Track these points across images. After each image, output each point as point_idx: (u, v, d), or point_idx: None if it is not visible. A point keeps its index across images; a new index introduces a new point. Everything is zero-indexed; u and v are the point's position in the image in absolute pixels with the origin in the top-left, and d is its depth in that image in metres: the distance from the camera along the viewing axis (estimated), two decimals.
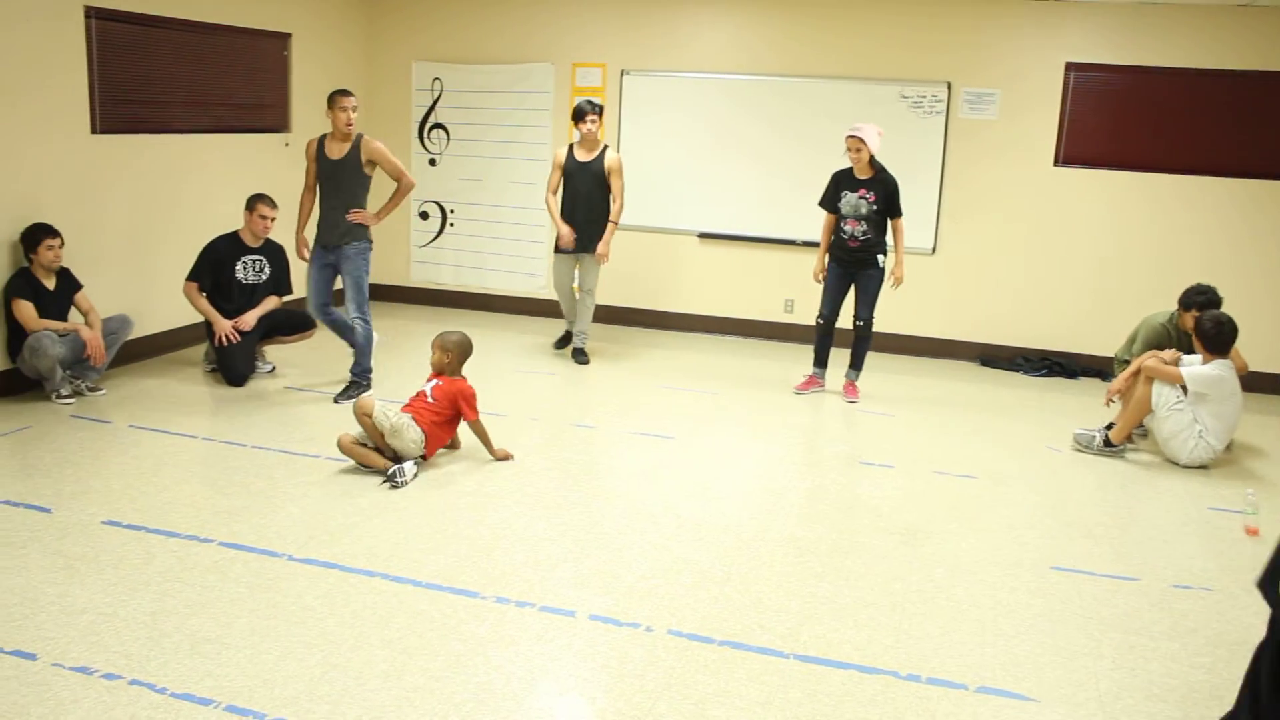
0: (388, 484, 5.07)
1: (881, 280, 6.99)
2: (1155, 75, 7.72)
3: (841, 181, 6.95)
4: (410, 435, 5.24)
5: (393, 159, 6.62)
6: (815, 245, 7.19)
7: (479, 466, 5.41)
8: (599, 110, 7.46)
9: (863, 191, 6.83)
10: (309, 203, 6.67)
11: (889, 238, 6.96)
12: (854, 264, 6.97)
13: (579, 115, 7.43)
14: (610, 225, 7.51)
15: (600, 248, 7.52)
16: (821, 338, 7.23)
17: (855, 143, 6.73)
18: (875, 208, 6.82)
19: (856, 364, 7.19)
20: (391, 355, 7.70)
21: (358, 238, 6.56)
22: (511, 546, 4.44)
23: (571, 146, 7.59)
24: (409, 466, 5.16)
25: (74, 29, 6.43)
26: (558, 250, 7.68)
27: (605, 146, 7.56)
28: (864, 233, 6.86)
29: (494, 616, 3.82)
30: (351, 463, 5.33)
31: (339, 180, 6.45)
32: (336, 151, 6.46)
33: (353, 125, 6.42)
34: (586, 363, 7.69)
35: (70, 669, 3.33)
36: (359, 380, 6.65)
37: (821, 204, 7.08)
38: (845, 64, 8.27)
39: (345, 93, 6.43)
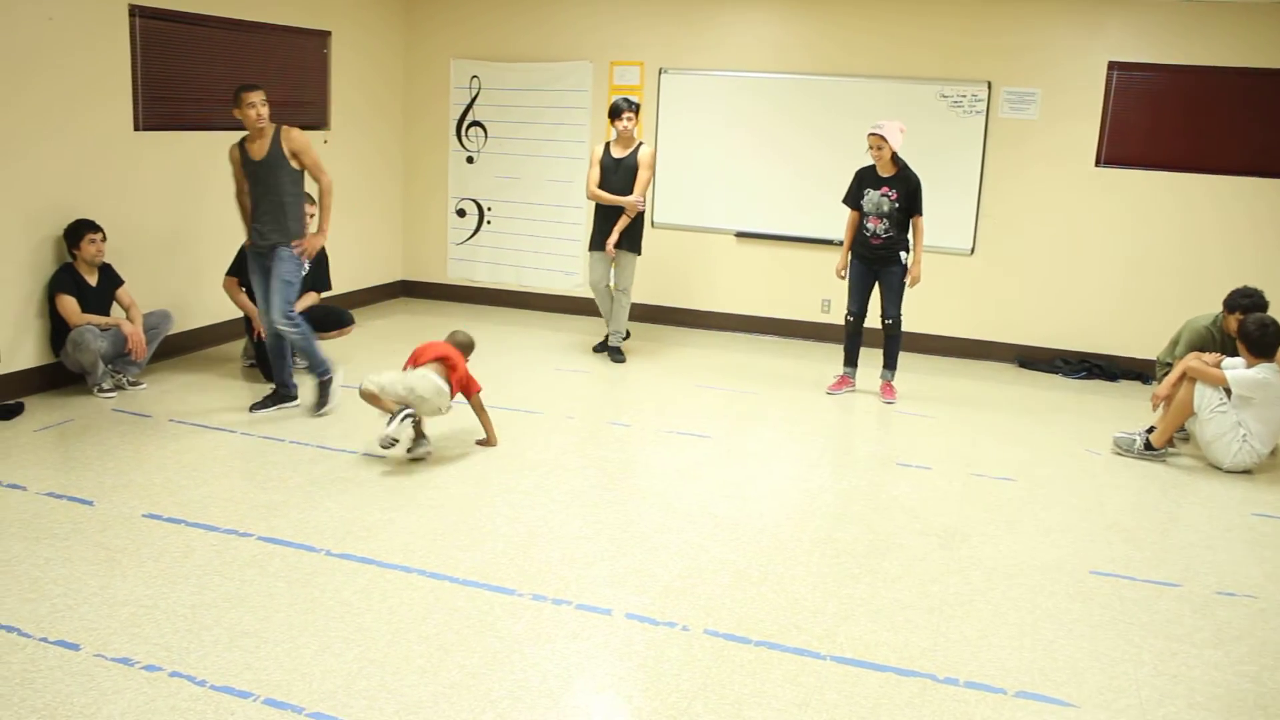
0: (387, 445, 5.21)
1: (904, 276, 6.99)
2: (1200, 74, 7.62)
3: (864, 179, 6.95)
4: (435, 383, 5.33)
5: (314, 153, 6.12)
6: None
7: (514, 464, 5.42)
8: (635, 108, 7.46)
9: (885, 189, 6.84)
10: (247, 207, 6.18)
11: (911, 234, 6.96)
12: (877, 261, 6.98)
13: (615, 113, 7.44)
14: (633, 200, 7.46)
15: (609, 242, 7.53)
16: (851, 336, 7.22)
17: (876, 140, 6.73)
18: (897, 205, 6.82)
19: (890, 364, 7.16)
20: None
21: (290, 239, 6.06)
22: (548, 544, 4.44)
23: (608, 144, 7.59)
24: (396, 427, 5.21)
25: (119, 27, 6.49)
26: (592, 248, 7.69)
27: (640, 143, 7.56)
28: (886, 230, 6.86)
29: (530, 614, 3.82)
30: (388, 458, 5.36)
31: (267, 181, 5.97)
32: (258, 151, 5.96)
33: (264, 120, 5.89)
34: (623, 361, 7.69)
35: (112, 660, 3.37)
36: (306, 389, 6.22)
37: (845, 201, 7.08)
38: (884, 63, 8.23)
39: (249, 88, 5.88)
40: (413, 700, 3.22)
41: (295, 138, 5.99)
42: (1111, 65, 7.78)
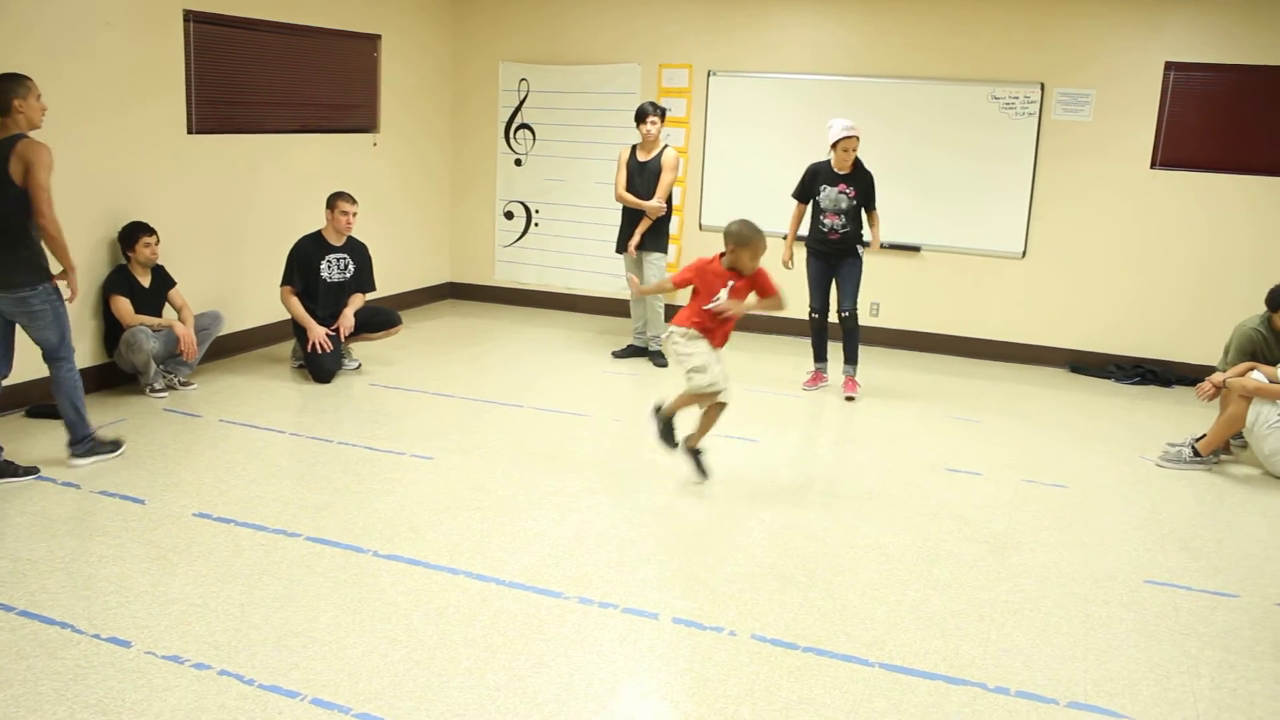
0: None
1: (861, 269, 7.07)
2: (1259, 74, 7.47)
3: (819, 175, 7.02)
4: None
5: (41, 175, 4.62)
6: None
7: (562, 466, 5.42)
8: (661, 112, 7.49)
9: (843, 186, 6.92)
10: None
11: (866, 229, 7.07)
12: (834, 255, 7.05)
13: (640, 116, 7.46)
14: (654, 204, 7.47)
15: (630, 243, 7.57)
16: (817, 333, 7.27)
17: (855, 142, 6.84)
18: (855, 202, 6.92)
19: (851, 358, 7.19)
20: (474, 354, 7.77)
21: (31, 282, 4.81)
22: (594, 547, 4.43)
23: (634, 147, 7.61)
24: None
25: (173, 32, 6.57)
26: (618, 250, 7.74)
27: (665, 146, 7.56)
28: (843, 225, 6.95)
29: (577, 617, 3.81)
30: (436, 460, 5.38)
31: None
32: None
33: None
34: (665, 365, 7.66)
35: (162, 657, 3.40)
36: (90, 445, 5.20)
37: (795, 195, 7.16)
38: (934, 65, 8.15)
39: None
40: (459, 702, 3.22)
41: (28, 153, 4.62)
42: (1168, 65, 7.66)
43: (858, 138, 6.82)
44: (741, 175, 8.78)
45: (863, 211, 6.99)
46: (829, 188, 6.95)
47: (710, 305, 5.04)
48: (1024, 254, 8.19)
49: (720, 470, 5.48)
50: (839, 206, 6.92)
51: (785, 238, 7.21)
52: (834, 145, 6.87)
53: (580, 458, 5.58)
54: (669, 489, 5.21)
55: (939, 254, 8.21)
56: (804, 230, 7.19)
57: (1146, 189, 7.85)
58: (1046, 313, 8.24)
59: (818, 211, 7.01)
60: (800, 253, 7.22)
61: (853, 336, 7.14)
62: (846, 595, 4.10)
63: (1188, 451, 5.93)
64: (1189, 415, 6.82)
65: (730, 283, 5.03)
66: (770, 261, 5.06)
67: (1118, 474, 5.76)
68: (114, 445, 5.24)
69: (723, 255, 5.07)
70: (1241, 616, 4.10)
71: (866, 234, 7.06)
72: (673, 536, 4.59)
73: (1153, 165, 7.82)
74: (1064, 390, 7.60)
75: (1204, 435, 5.94)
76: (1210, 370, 6.43)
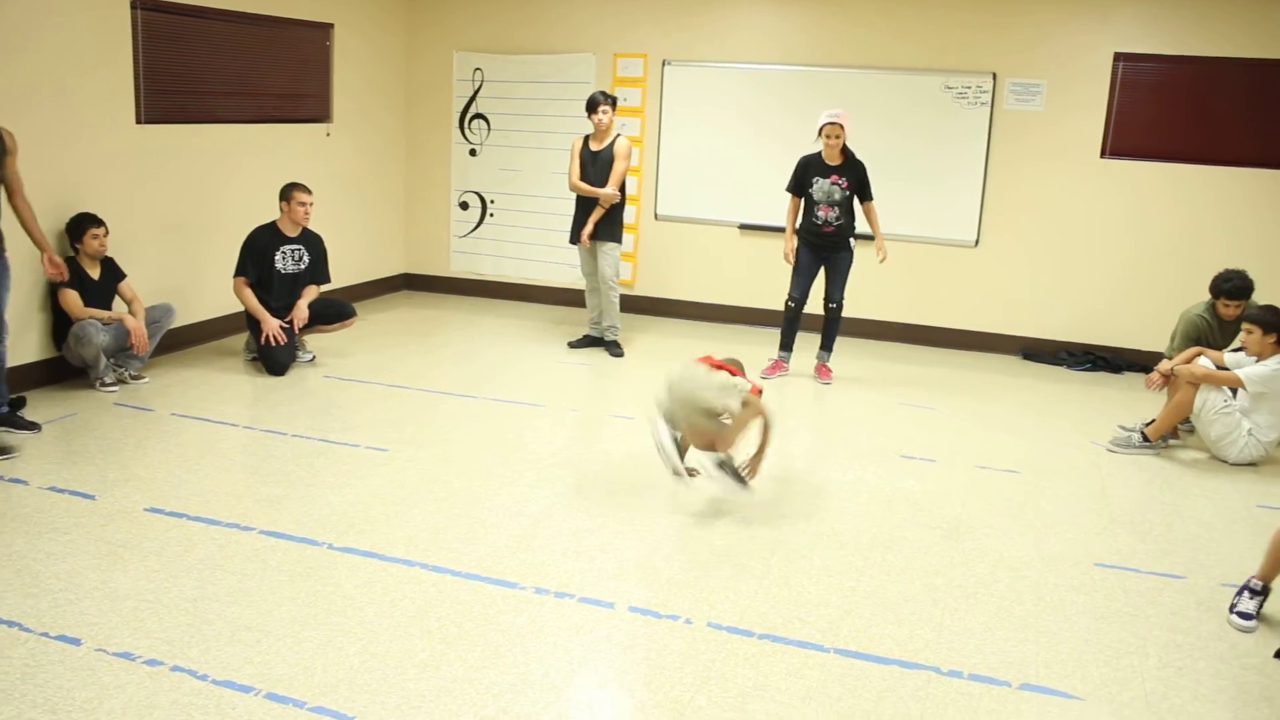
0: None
1: (851, 262, 7.14)
2: (1207, 65, 7.57)
3: (811, 167, 7.03)
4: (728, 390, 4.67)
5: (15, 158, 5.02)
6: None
7: (517, 457, 5.41)
8: (611, 101, 7.49)
9: (835, 177, 6.94)
10: None
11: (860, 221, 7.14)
12: (826, 247, 7.09)
13: (591, 106, 7.45)
14: (607, 191, 7.46)
15: (582, 233, 7.55)
16: (790, 321, 7.32)
17: (836, 129, 6.83)
18: (848, 193, 6.95)
19: (828, 345, 7.30)
20: (430, 345, 7.74)
21: None
22: (551, 537, 4.43)
23: (587, 137, 7.60)
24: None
25: (120, 19, 6.47)
26: (572, 241, 7.74)
27: (618, 135, 7.57)
28: (837, 218, 6.99)
29: (533, 607, 3.81)
30: (391, 452, 5.35)
31: None
32: None
33: None
34: (621, 355, 7.67)
35: (113, 654, 3.36)
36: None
37: (789, 189, 7.17)
38: (888, 55, 8.20)
39: None
40: (415, 694, 3.21)
41: None
42: (1117, 56, 7.75)
43: (841, 125, 6.82)
44: (697, 165, 8.79)
45: (856, 202, 7.03)
46: (821, 179, 6.96)
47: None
48: (977, 243, 8.26)
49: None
50: (832, 198, 6.93)
51: (785, 231, 7.26)
52: (818, 134, 6.90)
53: (536, 449, 5.57)
54: (624, 479, 5.21)
55: (893, 243, 8.23)
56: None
57: (1097, 178, 7.94)
58: (999, 301, 8.32)
59: (811, 204, 7.02)
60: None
61: (835, 326, 7.24)
62: (801, 582, 4.13)
63: (1137, 437, 6.02)
64: (1139, 401, 6.91)
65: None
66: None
67: (1069, 459, 5.84)
68: (6, 450, 5.12)
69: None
70: (1188, 597, 4.17)
71: (861, 226, 7.11)
72: (628, 526, 4.60)
73: (1102, 154, 7.91)
74: (1016, 377, 7.68)
75: (1153, 420, 6.03)
76: (1158, 356, 6.53)
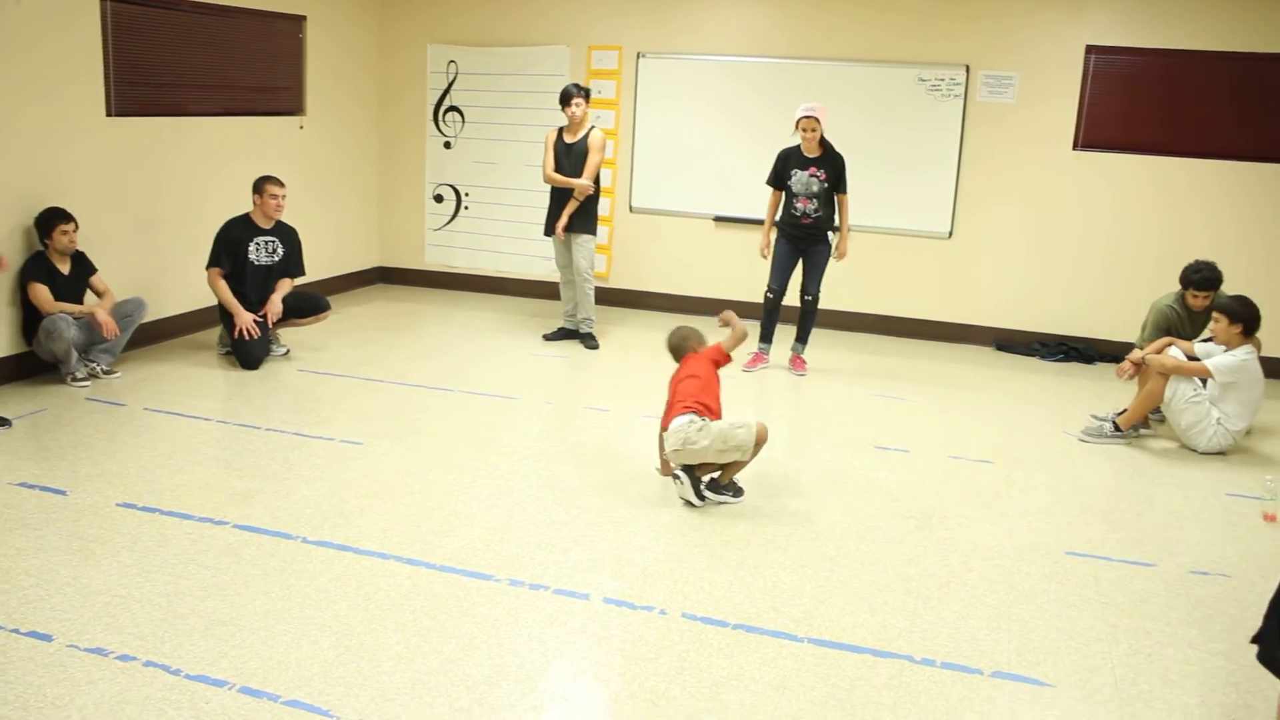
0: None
1: (829, 255, 7.17)
2: (1177, 58, 7.63)
3: (790, 159, 7.06)
4: (731, 433, 4.72)
5: None
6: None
7: (492, 449, 5.41)
8: (585, 93, 7.49)
9: (813, 170, 6.96)
10: None
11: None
12: (805, 239, 7.13)
13: (565, 99, 7.45)
14: (582, 182, 7.47)
15: (558, 225, 7.56)
16: (769, 313, 7.35)
17: (812, 123, 6.85)
18: (826, 185, 6.98)
19: (803, 337, 7.34)
20: (404, 338, 7.72)
21: None
22: (525, 529, 4.43)
23: (561, 129, 7.60)
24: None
25: (90, 12, 6.42)
26: (546, 233, 7.75)
27: (592, 127, 7.58)
28: (815, 210, 7.01)
29: (508, 599, 3.82)
30: (365, 445, 5.34)
31: None
32: None
33: None
34: (596, 347, 7.68)
35: (85, 650, 3.34)
36: None
37: (769, 182, 7.20)
38: (862, 47, 8.22)
39: None
40: (390, 686, 3.21)
41: None
42: (1089, 49, 7.79)
43: (817, 119, 6.84)
44: (671, 157, 8.80)
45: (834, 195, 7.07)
46: (800, 171, 6.99)
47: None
48: (950, 234, 8.30)
49: (649, 450, 5.49)
50: (810, 190, 6.96)
51: (763, 224, 7.32)
52: (796, 127, 6.92)
53: (510, 441, 5.57)
54: (599, 471, 5.22)
55: (867, 234, 8.28)
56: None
57: (1069, 170, 7.99)
58: (973, 292, 8.36)
59: (790, 196, 7.05)
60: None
61: (811, 319, 7.29)
62: (776, 572, 4.15)
63: (1109, 426, 6.07)
64: (1111, 391, 6.97)
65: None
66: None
67: (1041, 449, 5.88)
68: None
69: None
70: (1158, 584, 4.21)
71: (838, 219, 7.14)
72: (603, 517, 4.61)
73: (1075, 147, 7.96)
74: (990, 368, 7.73)
75: (1125, 410, 6.08)
76: (1130, 347, 6.58)
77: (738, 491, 4.86)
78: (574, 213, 7.51)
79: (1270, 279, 7.51)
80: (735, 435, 4.71)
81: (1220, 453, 5.91)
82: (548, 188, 7.67)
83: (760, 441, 4.76)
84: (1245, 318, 5.82)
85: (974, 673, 3.48)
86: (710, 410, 4.82)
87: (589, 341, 7.74)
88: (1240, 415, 5.85)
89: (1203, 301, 6.19)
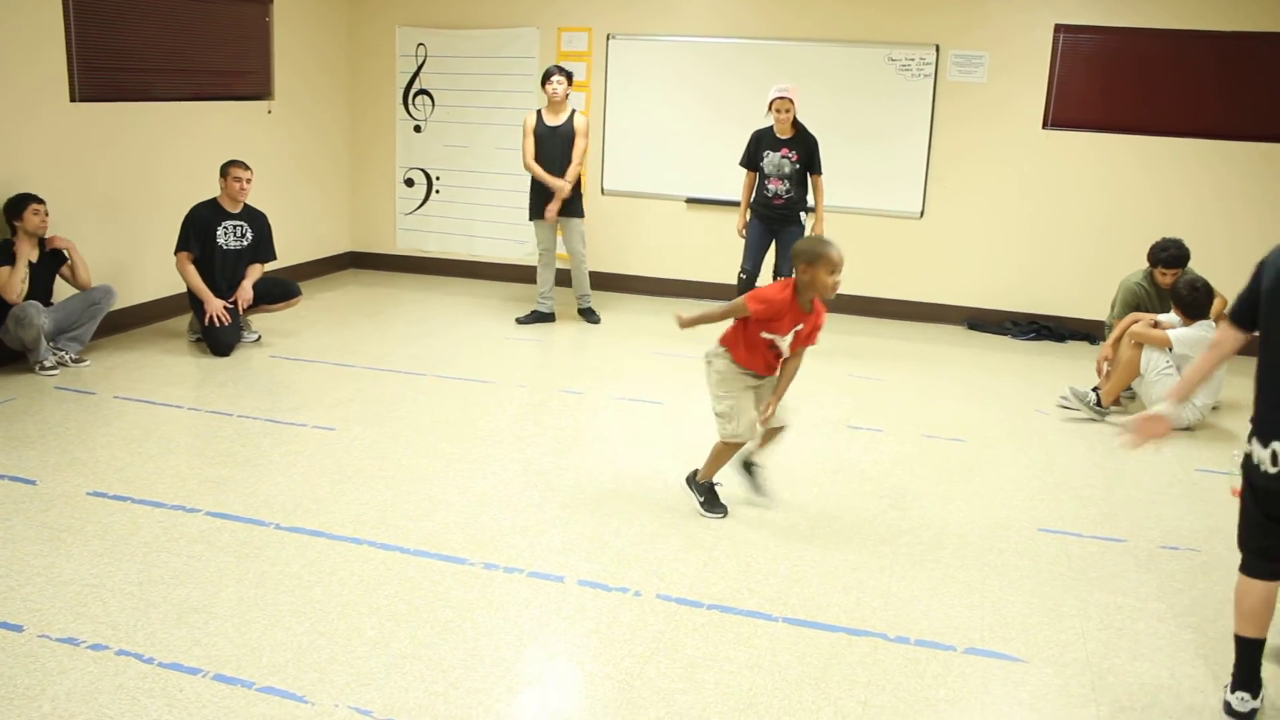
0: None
1: (802, 236, 7.13)
2: (1145, 36, 7.67)
3: (763, 140, 7.09)
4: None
5: None
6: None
7: (465, 433, 5.39)
8: (567, 75, 7.48)
9: (785, 150, 6.99)
10: None
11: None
12: (777, 221, 7.15)
13: (546, 77, 7.47)
14: (563, 184, 7.54)
15: (549, 210, 7.59)
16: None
17: (786, 103, 6.88)
18: (798, 166, 6.99)
19: None
20: (376, 323, 7.68)
21: None
22: (499, 513, 4.43)
23: (540, 111, 7.58)
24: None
25: None
26: (532, 217, 7.75)
27: (574, 110, 7.56)
28: (787, 190, 7.03)
29: (482, 583, 3.81)
30: (338, 430, 5.32)
31: None
32: None
33: None
34: (598, 321, 7.92)
35: (57, 640, 3.32)
36: None
37: (742, 163, 7.23)
38: (832, 27, 8.21)
39: None
40: (365, 671, 3.21)
41: None
42: (1058, 28, 7.81)
43: (790, 100, 6.87)
44: (642, 139, 8.78)
45: (808, 175, 7.08)
46: (772, 153, 7.01)
47: (773, 340, 4.46)
48: (922, 214, 8.32)
49: (623, 433, 5.51)
50: (782, 171, 6.98)
51: (739, 206, 7.36)
52: (769, 108, 6.93)
53: (484, 425, 5.56)
54: (573, 454, 5.22)
55: (839, 214, 8.27)
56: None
57: (1039, 149, 8.02)
58: (944, 272, 8.40)
59: (763, 177, 7.07)
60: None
61: None
62: (750, 552, 4.16)
63: (1093, 396, 6.12)
64: (1083, 370, 7.01)
65: (799, 326, 4.46)
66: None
67: (1013, 427, 5.92)
68: None
69: (795, 291, 4.39)
70: (1128, 560, 4.26)
71: (812, 200, 7.16)
72: (577, 500, 4.61)
73: (1045, 126, 7.99)
74: (962, 347, 7.77)
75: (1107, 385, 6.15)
76: (1100, 324, 6.64)
77: (757, 485, 4.70)
78: (570, 200, 7.63)
79: (1238, 256, 7.54)
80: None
81: (1188, 429, 5.97)
82: (520, 171, 7.66)
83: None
84: (1187, 303, 5.93)
85: (947, 649, 3.50)
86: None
87: (591, 316, 7.97)
88: (1207, 392, 5.91)
89: (1170, 279, 6.25)
